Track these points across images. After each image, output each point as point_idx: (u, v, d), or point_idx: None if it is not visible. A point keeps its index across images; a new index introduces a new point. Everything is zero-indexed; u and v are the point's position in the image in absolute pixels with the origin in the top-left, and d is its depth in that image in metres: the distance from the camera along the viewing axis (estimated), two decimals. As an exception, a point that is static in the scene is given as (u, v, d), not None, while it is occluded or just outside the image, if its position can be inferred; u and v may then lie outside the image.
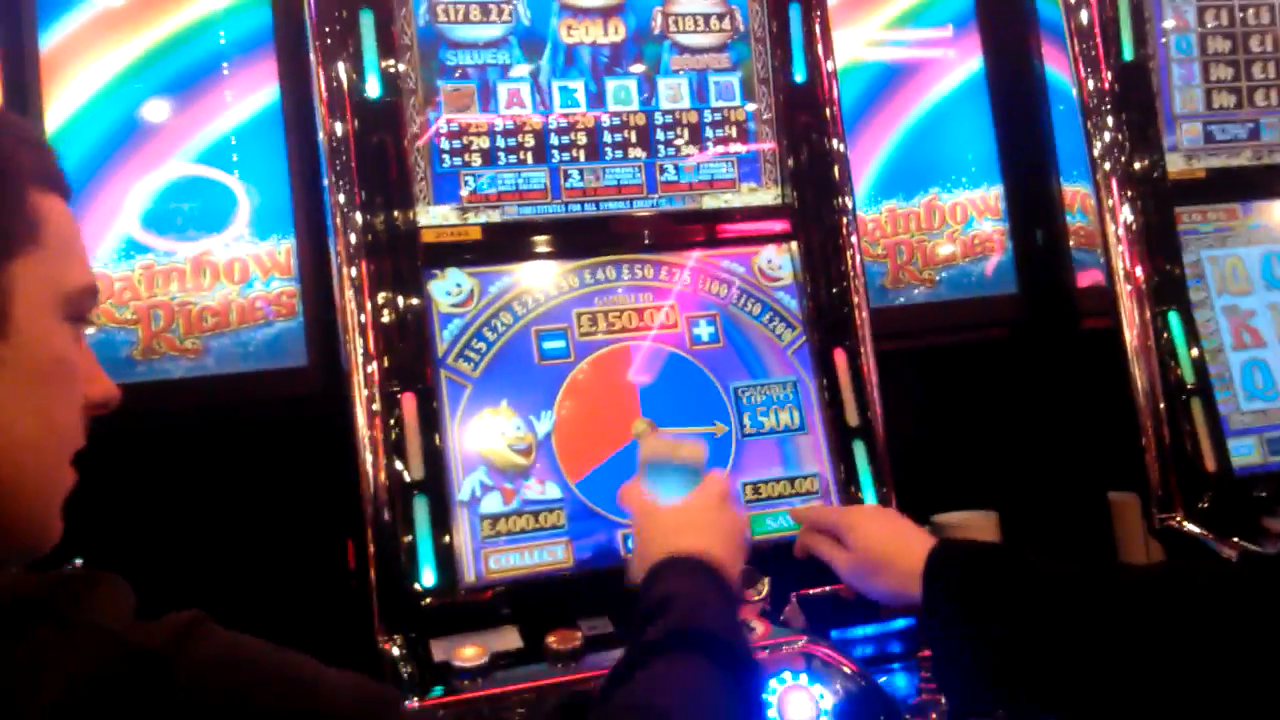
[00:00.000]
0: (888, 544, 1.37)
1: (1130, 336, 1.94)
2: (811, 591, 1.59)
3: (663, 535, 1.24)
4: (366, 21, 1.67)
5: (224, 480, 1.93)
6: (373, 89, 1.67)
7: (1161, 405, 1.91)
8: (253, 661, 0.75)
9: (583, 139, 1.80)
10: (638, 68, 1.84)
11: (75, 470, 0.89)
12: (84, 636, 0.68)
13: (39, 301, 0.82)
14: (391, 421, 1.58)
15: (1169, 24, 2.11)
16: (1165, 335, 1.93)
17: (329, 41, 1.66)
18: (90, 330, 1.84)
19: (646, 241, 1.80)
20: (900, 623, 1.58)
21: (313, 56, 1.67)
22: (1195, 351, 1.94)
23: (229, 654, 0.74)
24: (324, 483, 1.81)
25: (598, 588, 1.55)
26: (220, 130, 1.96)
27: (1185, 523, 1.86)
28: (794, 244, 1.86)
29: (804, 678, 1.38)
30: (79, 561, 1.15)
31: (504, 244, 1.74)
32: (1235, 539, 1.81)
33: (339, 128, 1.65)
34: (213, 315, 1.92)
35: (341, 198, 1.64)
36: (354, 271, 1.62)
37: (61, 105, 1.90)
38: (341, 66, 1.66)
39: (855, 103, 2.25)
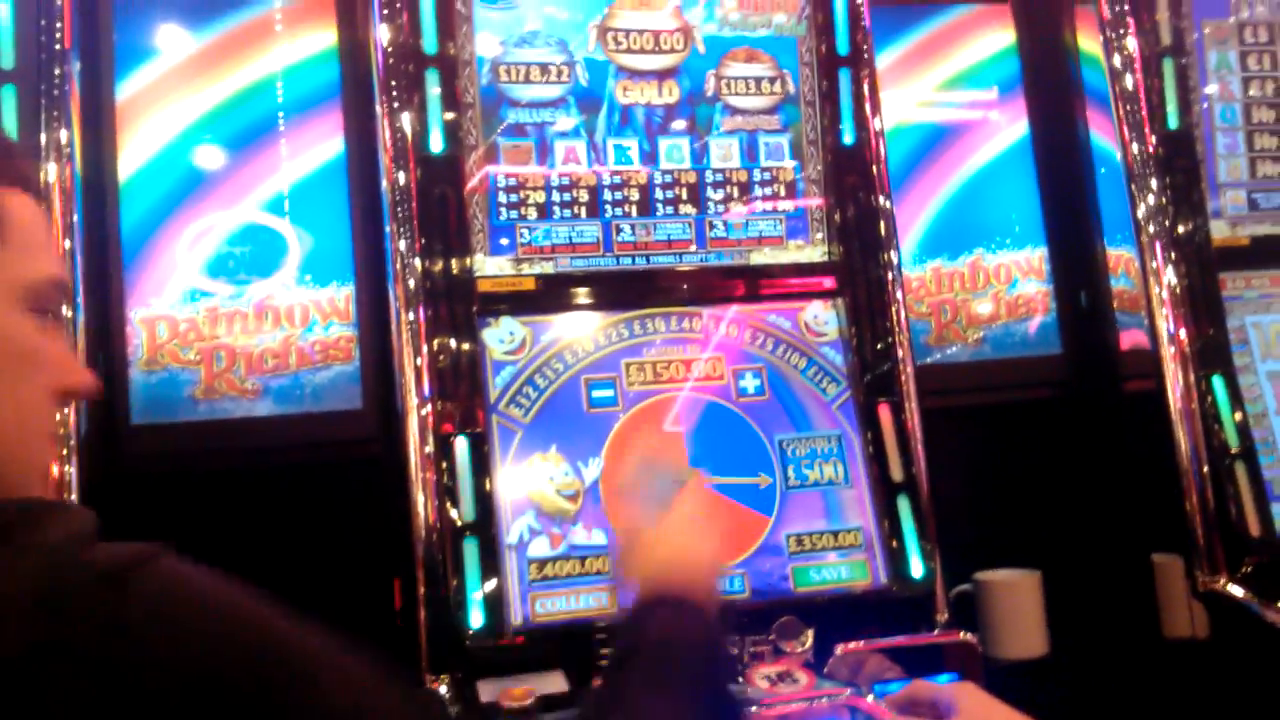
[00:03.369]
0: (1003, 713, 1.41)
1: (1174, 399, 1.95)
2: (854, 645, 1.60)
3: (643, 563, 1.20)
4: (432, 79, 1.74)
5: (275, 516, 1.96)
6: (435, 143, 1.73)
7: (1205, 468, 1.91)
8: (208, 595, 0.75)
9: (635, 195, 1.85)
10: (690, 127, 1.89)
11: (55, 450, 0.88)
12: (35, 556, 0.68)
13: (1, 295, 0.83)
14: (444, 465, 1.62)
15: (1212, 89, 2.14)
16: (1209, 399, 1.94)
17: (395, 95, 1.73)
18: (146, 365, 1.90)
19: (695, 295, 1.84)
20: (944, 677, 1.59)
21: (379, 109, 1.74)
22: (1239, 415, 1.94)
23: (186, 583, 0.74)
24: (371, 522, 1.85)
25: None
26: (281, 183, 2.03)
27: (1229, 586, 1.86)
28: (840, 300, 1.89)
29: (847, 729, 1.39)
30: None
31: (556, 294, 1.79)
32: (1279, 604, 1.80)
33: (402, 178, 1.71)
34: (273, 357, 1.97)
35: (402, 245, 1.69)
36: (411, 316, 1.67)
37: (133, 154, 1.97)
38: (406, 121, 1.72)
39: (904, 161, 2.29)
